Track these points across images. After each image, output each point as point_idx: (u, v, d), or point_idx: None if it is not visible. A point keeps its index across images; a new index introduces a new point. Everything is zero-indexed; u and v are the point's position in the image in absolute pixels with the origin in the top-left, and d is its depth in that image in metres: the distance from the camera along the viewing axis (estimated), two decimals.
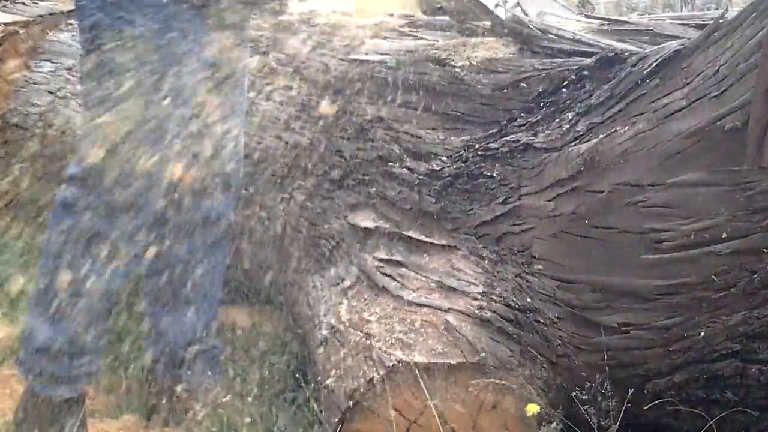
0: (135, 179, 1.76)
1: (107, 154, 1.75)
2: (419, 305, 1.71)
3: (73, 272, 1.79)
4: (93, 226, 1.77)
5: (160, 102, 1.75)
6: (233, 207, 2.10)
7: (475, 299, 1.69)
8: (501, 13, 2.10)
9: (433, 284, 1.76)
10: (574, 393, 1.61)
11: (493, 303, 1.68)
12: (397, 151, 2.07)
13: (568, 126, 1.75)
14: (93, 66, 1.76)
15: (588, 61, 1.83)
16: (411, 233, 1.91)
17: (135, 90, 1.72)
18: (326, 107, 2.26)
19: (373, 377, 1.57)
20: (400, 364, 1.56)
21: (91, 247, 1.78)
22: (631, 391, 1.57)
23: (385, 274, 1.85)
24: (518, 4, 2.13)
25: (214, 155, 1.99)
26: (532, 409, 1.53)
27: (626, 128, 1.61)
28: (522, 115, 1.88)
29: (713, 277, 1.47)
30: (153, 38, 1.72)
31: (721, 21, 1.57)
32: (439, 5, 2.29)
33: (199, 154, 1.96)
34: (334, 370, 1.69)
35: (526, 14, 2.16)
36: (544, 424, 1.58)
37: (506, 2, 2.13)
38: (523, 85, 1.91)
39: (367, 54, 2.29)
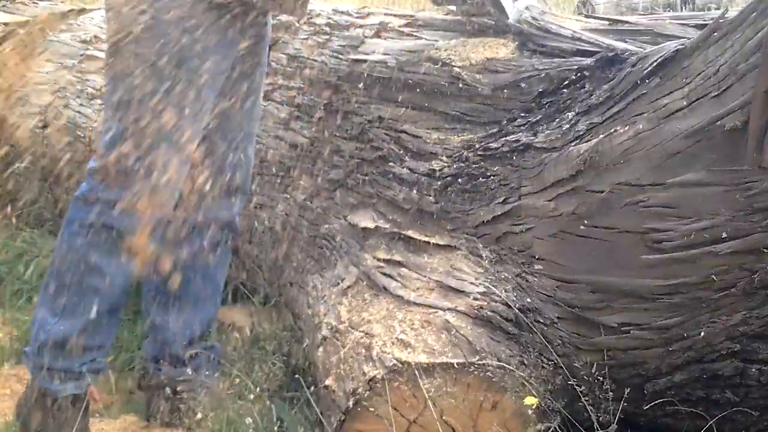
0: (155, 177, 1.77)
1: (127, 148, 1.75)
2: (419, 305, 1.71)
3: (86, 266, 1.79)
4: (109, 220, 1.78)
5: (180, 97, 1.75)
6: (240, 209, 2.10)
7: (475, 299, 1.69)
8: (508, 7, 2.10)
9: (433, 284, 1.76)
10: (574, 393, 1.61)
11: (493, 303, 1.68)
12: (397, 151, 2.07)
13: (568, 126, 1.75)
14: (116, 61, 1.76)
15: (588, 61, 1.83)
16: (411, 233, 1.91)
17: (155, 87, 1.73)
18: None
19: (373, 377, 1.57)
20: (400, 364, 1.56)
21: (106, 243, 1.79)
22: (630, 391, 1.57)
23: (385, 274, 1.85)
24: (528, 8, 2.12)
25: (228, 157, 1.99)
26: (530, 401, 1.54)
27: (626, 128, 1.61)
28: (522, 115, 1.88)
29: (713, 277, 1.47)
30: (178, 35, 1.73)
31: (721, 21, 1.57)
32: None
33: (213, 154, 1.96)
34: (334, 370, 1.69)
35: (534, 16, 2.16)
36: (544, 423, 1.58)
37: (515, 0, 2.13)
38: (523, 85, 1.91)
39: (367, 54, 2.29)
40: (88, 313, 1.81)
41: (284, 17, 2.29)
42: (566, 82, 1.83)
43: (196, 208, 2.00)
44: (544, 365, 1.65)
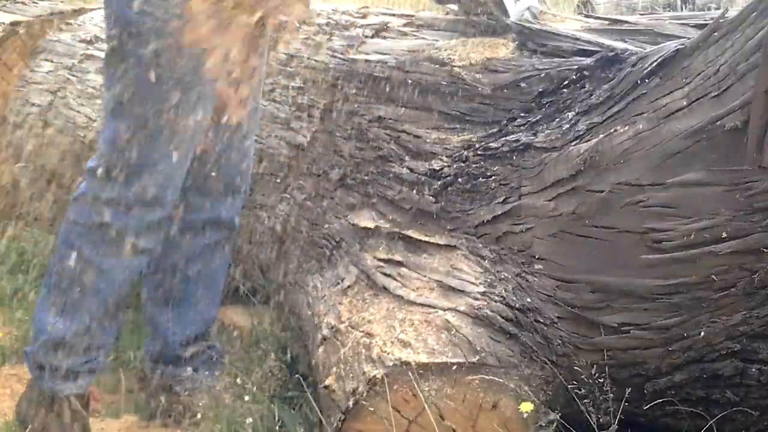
0: (152, 174, 1.77)
1: (125, 148, 1.75)
2: (419, 305, 1.71)
3: (87, 265, 1.79)
4: (109, 219, 1.78)
5: (179, 99, 1.75)
6: (240, 209, 2.10)
7: (475, 299, 1.69)
8: (510, 6, 2.10)
9: (433, 284, 1.76)
10: (574, 392, 1.61)
11: (493, 303, 1.68)
12: (397, 151, 2.07)
13: (568, 126, 1.75)
14: (116, 61, 1.76)
15: (588, 61, 1.83)
16: (411, 233, 1.91)
17: (155, 86, 1.73)
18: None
19: (373, 377, 1.57)
20: (401, 364, 1.56)
21: (106, 242, 1.79)
22: (630, 391, 1.57)
23: (385, 274, 1.85)
24: (529, 8, 2.13)
25: (227, 157, 1.99)
26: (526, 407, 1.53)
27: (626, 128, 1.61)
28: (522, 115, 1.88)
29: (713, 277, 1.47)
30: (177, 34, 1.73)
31: (721, 21, 1.57)
32: None
33: (211, 154, 1.96)
34: (334, 370, 1.69)
35: (535, 15, 2.16)
36: (543, 423, 1.58)
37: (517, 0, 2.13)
38: (523, 85, 1.91)
39: (367, 54, 2.29)
40: (88, 312, 1.82)
41: (287, 18, 2.29)
42: (566, 82, 1.83)
43: (195, 208, 2.00)
44: (544, 365, 1.65)
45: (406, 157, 2.04)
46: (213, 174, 1.99)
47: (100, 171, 1.80)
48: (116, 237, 1.79)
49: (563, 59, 1.91)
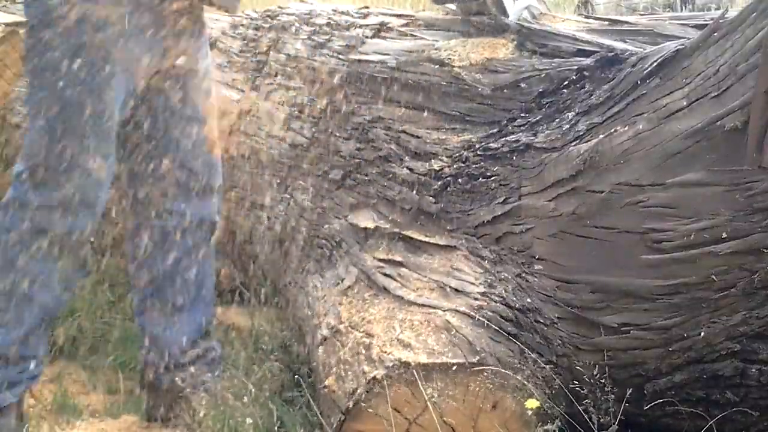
0: (82, 175, 1.73)
1: (47, 149, 1.72)
2: (419, 305, 1.71)
3: (20, 273, 1.74)
4: (39, 224, 1.73)
5: (107, 96, 1.73)
6: (218, 207, 2.08)
7: (476, 299, 1.69)
8: (509, 6, 2.10)
9: (433, 284, 1.76)
10: (574, 393, 1.61)
11: (493, 303, 1.68)
12: (397, 151, 2.07)
13: (568, 126, 1.75)
14: (38, 56, 1.73)
15: (588, 61, 1.83)
16: (411, 233, 1.91)
17: (81, 82, 1.70)
18: None
19: (373, 377, 1.57)
20: (400, 364, 1.56)
21: (41, 248, 1.73)
22: (630, 391, 1.57)
23: (385, 274, 1.85)
24: (528, 8, 2.13)
25: (192, 157, 1.97)
26: (532, 404, 1.53)
27: (626, 128, 1.61)
28: (522, 115, 1.88)
29: (713, 277, 1.47)
30: (101, 30, 1.70)
31: (721, 21, 1.57)
32: None
33: (173, 156, 1.95)
34: (334, 370, 1.69)
35: (534, 15, 2.16)
36: (544, 424, 1.58)
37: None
38: (523, 85, 1.91)
39: (367, 54, 2.29)
40: (26, 321, 1.76)
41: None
42: (566, 82, 1.83)
43: (174, 214, 1.98)
44: (544, 365, 1.65)
45: (406, 158, 2.04)
46: (182, 177, 1.96)
47: (26, 175, 1.74)
48: (48, 242, 1.72)
49: (563, 59, 1.91)
